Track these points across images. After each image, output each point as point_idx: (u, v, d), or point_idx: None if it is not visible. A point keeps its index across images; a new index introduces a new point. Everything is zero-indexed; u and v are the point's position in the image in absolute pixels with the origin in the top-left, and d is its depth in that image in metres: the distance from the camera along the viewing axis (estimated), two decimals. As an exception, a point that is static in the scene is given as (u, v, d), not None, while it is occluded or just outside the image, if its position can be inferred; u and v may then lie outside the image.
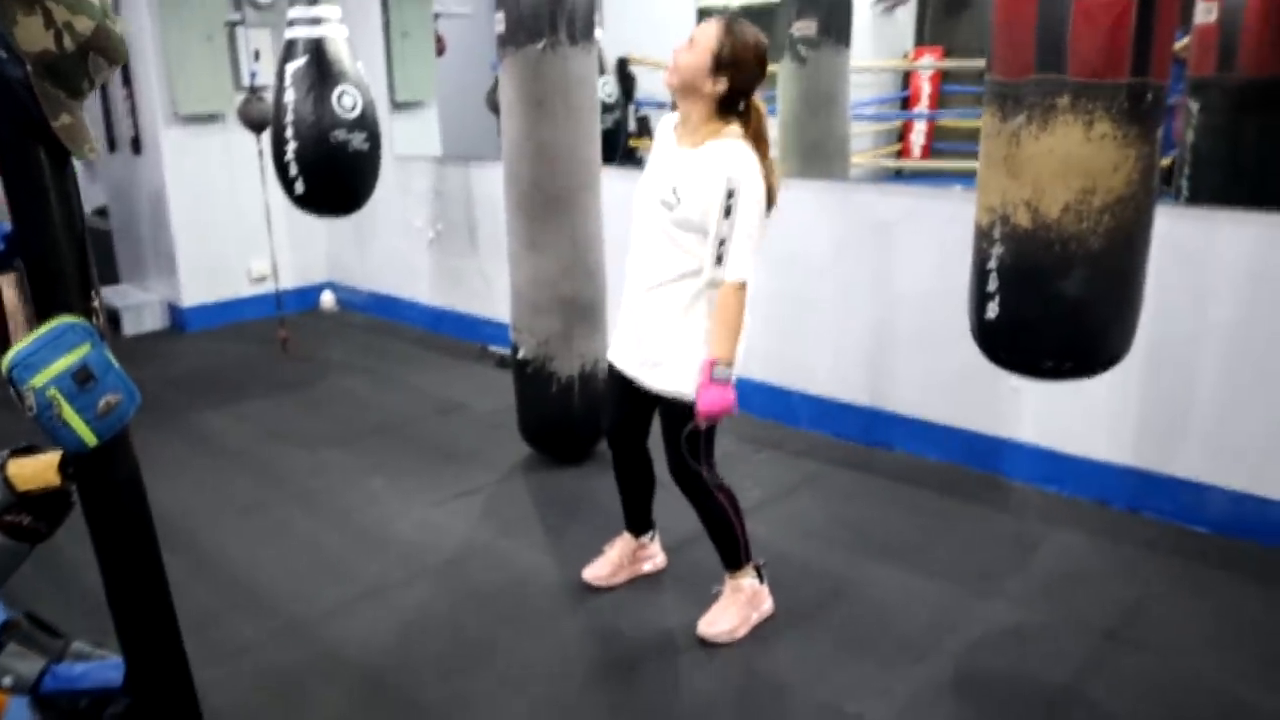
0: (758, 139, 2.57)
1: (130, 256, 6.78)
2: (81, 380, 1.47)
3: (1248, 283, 3.22)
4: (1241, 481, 3.31)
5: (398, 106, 6.20)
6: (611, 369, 2.89)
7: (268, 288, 6.28)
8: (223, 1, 6.00)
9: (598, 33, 3.91)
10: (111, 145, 6.51)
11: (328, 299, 6.86)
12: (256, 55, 6.05)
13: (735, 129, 2.56)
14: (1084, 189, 2.30)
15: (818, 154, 4.82)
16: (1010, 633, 2.87)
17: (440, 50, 6.64)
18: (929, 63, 8.76)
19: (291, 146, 4.54)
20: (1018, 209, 2.37)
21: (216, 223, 6.29)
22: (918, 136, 9.03)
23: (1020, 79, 2.32)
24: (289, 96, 4.53)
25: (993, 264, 2.45)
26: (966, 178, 6.59)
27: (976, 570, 3.19)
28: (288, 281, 6.32)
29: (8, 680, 1.74)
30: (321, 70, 4.53)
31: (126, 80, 6.11)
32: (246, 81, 5.85)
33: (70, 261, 1.54)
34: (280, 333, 5.76)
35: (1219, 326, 3.28)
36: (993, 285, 2.46)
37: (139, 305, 6.39)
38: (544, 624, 2.96)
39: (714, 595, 2.90)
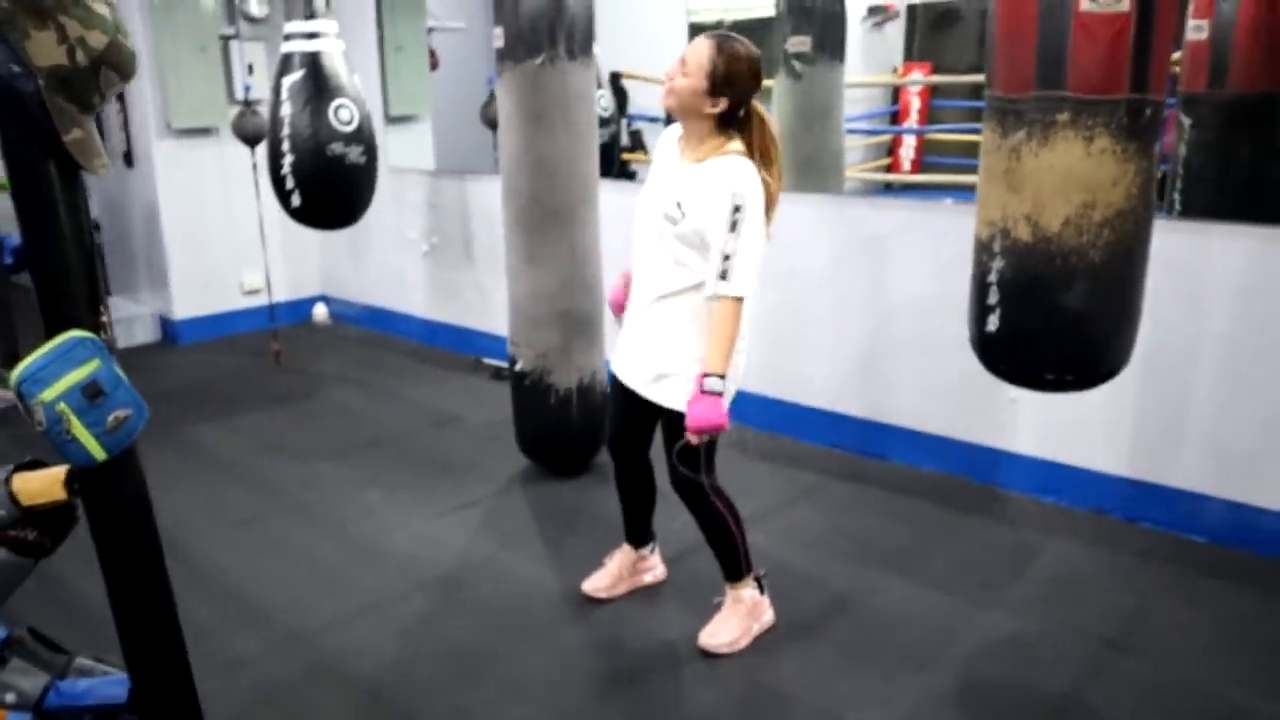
0: (763, 151, 2.58)
1: (122, 269, 6.76)
2: (91, 395, 1.47)
3: (1240, 295, 3.25)
4: (1237, 491, 3.33)
5: (392, 120, 6.20)
6: (615, 381, 2.89)
7: (260, 300, 6.26)
8: (216, 15, 6.00)
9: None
10: (104, 158, 6.48)
11: (321, 312, 6.84)
12: (250, 69, 6.06)
13: (738, 145, 2.56)
14: (1084, 203, 2.31)
15: (813, 168, 4.84)
16: (1009, 642, 2.88)
17: (434, 64, 6.65)
18: (918, 78, 8.81)
19: (288, 160, 4.53)
20: (1018, 223, 2.39)
21: (209, 235, 6.28)
22: (907, 151, 9.08)
23: (1020, 95, 2.34)
24: (286, 110, 4.52)
25: (993, 277, 2.46)
26: (956, 191, 6.67)
27: (975, 580, 3.20)
28: (280, 294, 6.30)
29: (11, 697, 1.74)
30: (318, 84, 4.52)
31: (120, 93, 6.09)
32: (241, 95, 5.86)
33: (79, 276, 1.54)
34: (273, 345, 5.75)
35: (1213, 338, 3.30)
36: (993, 298, 2.48)
37: (130, 318, 6.36)
38: (545, 636, 2.96)
39: (715, 606, 2.91)
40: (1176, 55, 3.71)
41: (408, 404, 5.12)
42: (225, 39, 6.05)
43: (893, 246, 4.01)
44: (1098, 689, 2.65)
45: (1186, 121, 3.75)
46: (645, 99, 6.51)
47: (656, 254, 2.66)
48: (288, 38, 4.60)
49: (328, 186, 4.64)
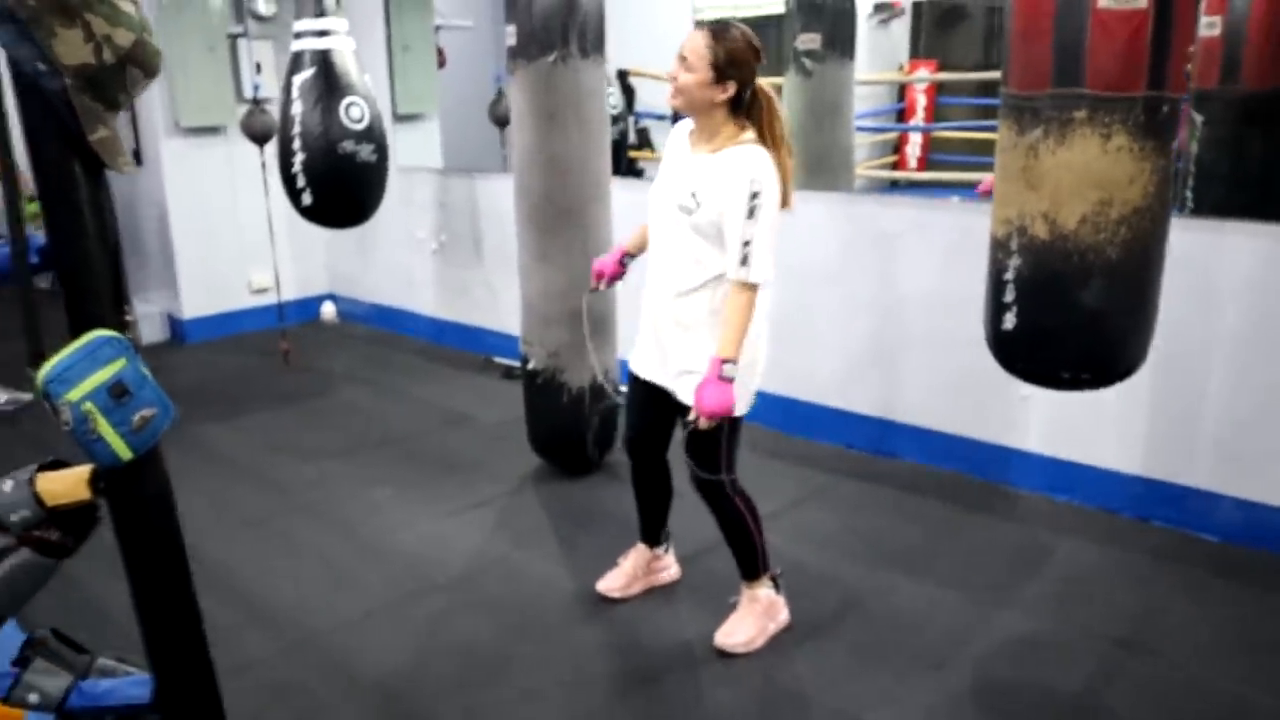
0: (774, 134, 2.59)
1: (130, 268, 6.73)
2: (117, 395, 1.47)
3: (1252, 293, 3.24)
4: (1250, 490, 3.32)
5: (400, 119, 6.19)
6: (634, 379, 2.88)
7: (268, 299, 6.27)
8: (224, 14, 6.00)
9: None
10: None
11: (328, 310, 6.85)
12: (258, 67, 6.05)
13: (751, 135, 2.57)
14: (1101, 201, 2.31)
15: (823, 166, 4.84)
16: (1024, 641, 2.88)
17: (441, 63, 6.65)
18: (925, 75, 8.81)
19: (299, 158, 4.53)
20: (1035, 221, 2.39)
21: (217, 234, 6.28)
22: (913, 148, 9.08)
23: (1037, 92, 2.34)
24: (296, 108, 4.53)
25: (1010, 275, 2.46)
26: (962, 189, 6.66)
27: (988, 579, 3.20)
28: (288, 293, 6.30)
29: (34, 697, 1.73)
30: (329, 82, 4.53)
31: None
32: (249, 94, 5.85)
33: (104, 275, 1.54)
34: (282, 344, 5.75)
35: (1225, 336, 3.30)
36: (1010, 296, 2.47)
37: (138, 317, 6.36)
38: (560, 636, 2.96)
39: (731, 606, 2.90)
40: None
41: (417, 403, 5.12)
42: (233, 37, 6.05)
43: (903, 244, 4.00)
44: (1111, 689, 2.65)
45: (1199, 118, 3.75)
46: (652, 96, 6.51)
47: (673, 250, 2.66)
48: (298, 36, 4.61)
49: (339, 185, 4.64)
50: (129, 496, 1.61)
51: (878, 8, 8.39)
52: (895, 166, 8.98)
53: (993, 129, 6.93)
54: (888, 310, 4.08)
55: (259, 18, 6.12)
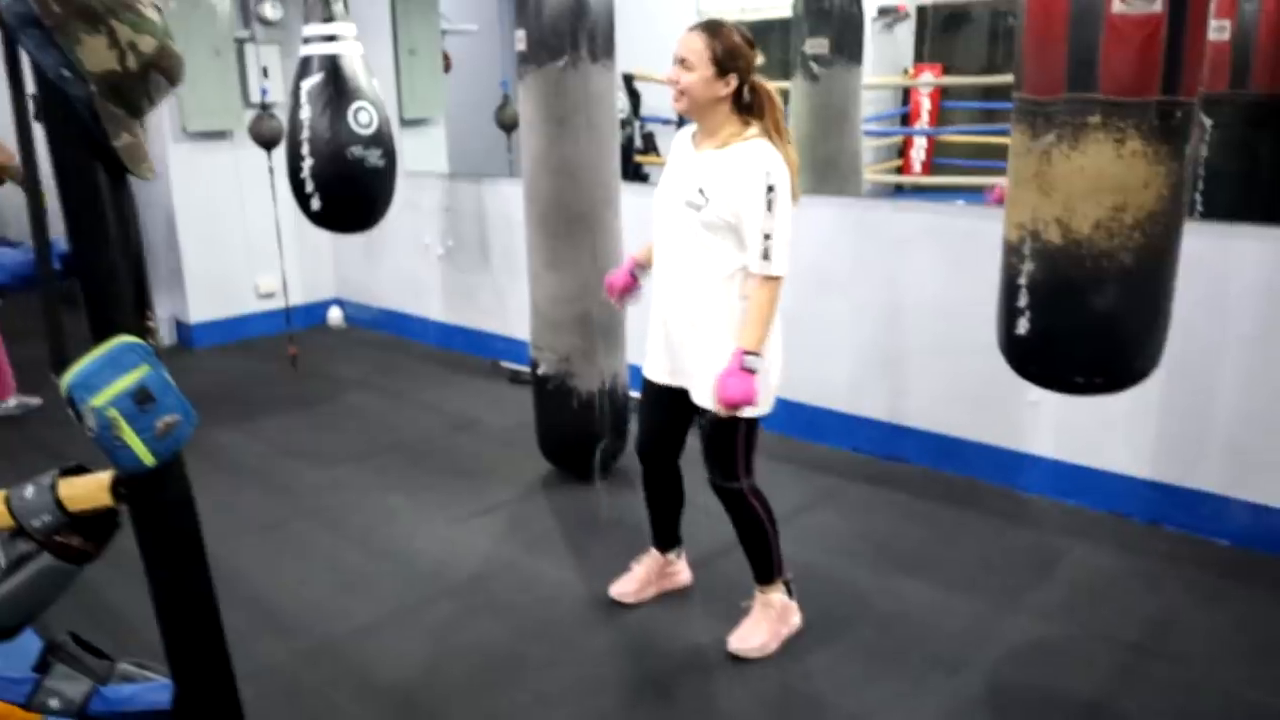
0: (777, 128, 2.61)
1: (137, 273, 6.76)
2: (141, 401, 1.47)
3: (1261, 296, 3.25)
4: (1261, 493, 3.33)
5: (406, 123, 6.20)
6: (648, 384, 2.89)
7: (275, 304, 6.28)
8: (231, 18, 6.01)
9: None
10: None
11: (335, 315, 6.86)
12: (265, 72, 6.07)
13: (756, 129, 2.59)
14: (1115, 206, 2.31)
15: (831, 170, 4.84)
16: (1038, 646, 2.88)
17: (447, 67, 6.67)
18: (929, 79, 8.81)
19: (308, 163, 4.54)
20: (1049, 225, 2.38)
21: (224, 239, 6.30)
22: (918, 153, 9.07)
23: (1051, 97, 2.34)
24: (305, 113, 4.53)
25: (1023, 280, 2.46)
26: (968, 193, 6.66)
27: (1000, 584, 3.20)
28: (295, 298, 6.31)
29: (55, 703, 1.73)
30: (337, 87, 4.53)
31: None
32: (256, 98, 5.87)
33: (127, 281, 1.54)
34: (290, 349, 5.75)
35: (1234, 339, 3.30)
36: (1023, 301, 2.47)
37: (147, 322, 6.36)
38: (573, 640, 2.96)
39: (744, 610, 2.91)
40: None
41: (426, 408, 5.13)
42: (240, 42, 6.06)
43: (913, 248, 4.00)
44: (1127, 693, 2.65)
45: (1208, 122, 3.75)
46: (658, 101, 6.52)
47: (682, 249, 2.66)
48: (306, 40, 4.61)
49: (348, 190, 4.64)
50: (151, 502, 1.61)
51: (882, 11, 8.38)
52: (900, 171, 8.97)
53: (997, 133, 6.96)
54: (897, 314, 4.09)
55: (266, 23, 6.13)
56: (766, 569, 2.87)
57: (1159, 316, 2.46)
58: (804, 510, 3.73)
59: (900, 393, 4.15)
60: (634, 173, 6.34)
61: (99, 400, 1.44)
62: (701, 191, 2.57)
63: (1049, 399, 3.29)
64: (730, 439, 2.68)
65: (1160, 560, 3.32)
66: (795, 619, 2.93)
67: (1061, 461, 3.74)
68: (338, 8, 4.59)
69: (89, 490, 1.60)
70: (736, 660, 2.80)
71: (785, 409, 4.33)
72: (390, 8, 6.05)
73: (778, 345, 2.70)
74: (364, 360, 6.06)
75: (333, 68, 4.55)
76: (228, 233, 6.28)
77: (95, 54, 1.40)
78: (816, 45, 4.80)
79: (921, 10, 8.95)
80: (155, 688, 1.77)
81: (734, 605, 2.94)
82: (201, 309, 6.34)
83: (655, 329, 2.83)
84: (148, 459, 1.48)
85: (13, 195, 5.23)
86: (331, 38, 4.56)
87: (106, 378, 1.45)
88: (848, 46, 4.87)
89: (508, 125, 7.00)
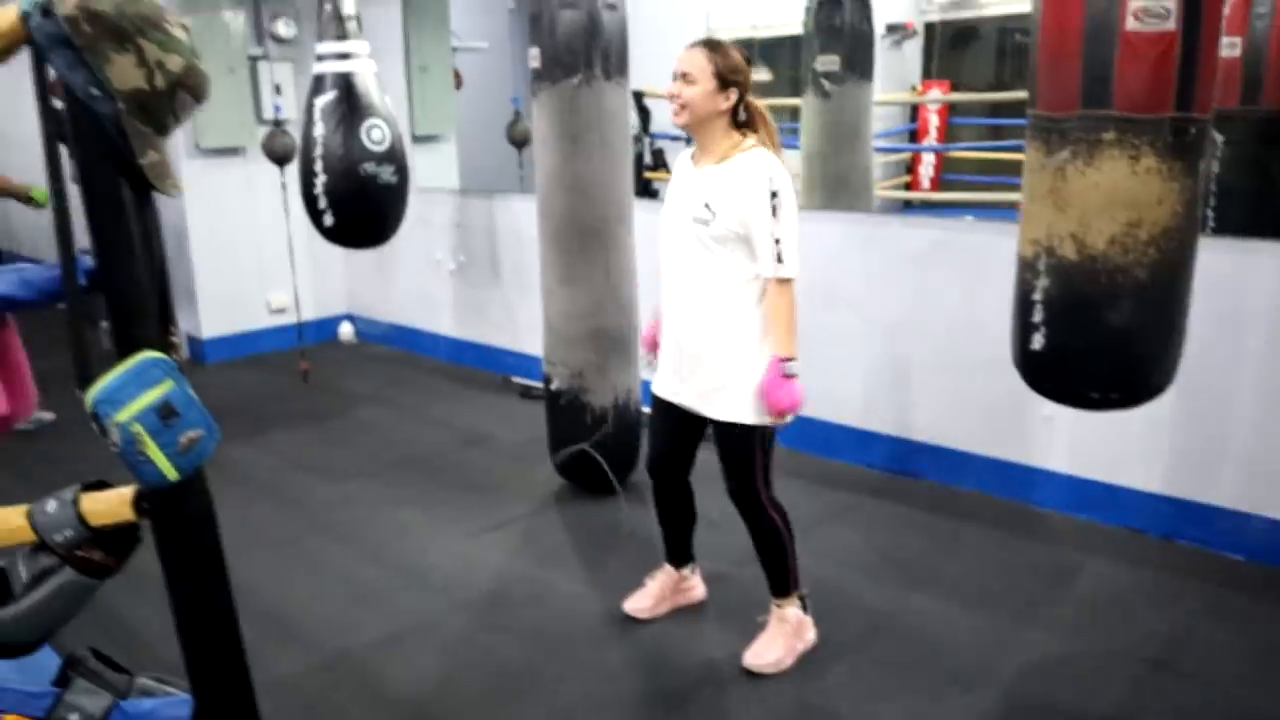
0: (772, 142, 2.67)
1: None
2: (165, 416, 1.48)
3: (1276, 311, 3.25)
4: (1278, 508, 3.31)
5: (417, 140, 6.23)
6: (656, 400, 2.90)
7: (286, 319, 6.30)
8: (245, 36, 6.05)
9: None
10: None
11: (346, 331, 6.88)
12: (278, 89, 6.11)
13: (753, 140, 2.64)
14: (1130, 222, 2.32)
15: (843, 187, 4.85)
16: (1055, 662, 2.86)
17: (458, 84, 6.71)
18: (938, 96, 8.83)
19: (321, 180, 4.57)
20: (1064, 241, 2.39)
21: (236, 255, 6.32)
22: (926, 169, 9.09)
23: (1065, 114, 2.35)
24: (318, 130, 4.56)
25: (1038, 295, 2.46)
26: (976, 209, 6.66)
27: (1015, 599, 3.19)
28: (307, 314, 6.33)
29: (75, 717, 1.74)
30: (350, 104, 4.56)
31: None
32: (269, 115, 5.90)
33: (151, 297, 1.56)
34: (302, 364, 5.77)
35: (1248, 354, 3.30)
36: (1038, 316, 2.48)
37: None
38: (587, 655, 2.95)
39: (759, 625, 2.90)
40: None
41: (438, 423, 5.13)
42: (253, 60, 6.11)
43: (925, 264, 4.01)
44: (1141, 710, 2.64)
45: (1219, 139, 3.75)
46: (668, 117, 6.53)
47: (692, 265, 2.68)
48: (320, 58, 4.64)
49: (360, 206, 4.67)
50: (173, 517, 1.62)
51: (890, 29, 8.41)
52: (908, 187, 8.99)
53: (1006, 149, 6.95)
54: (909, 329, 4.09)
55: (279, 40, 6.17)
56: (783, 582, 2.87)
57: (1174, 332, 2.46)
58: (818, 525, 3.72)
59: (912, 408, 4.15)
60: (644, 189, 6.36)
61: (124, 415, 1.45)
62: (708, 206, 2.60)
63: (1063, 414, 3.30)
64: (748, 449, 2.71)
65: (1175, 575, 3.31)
66: (810, 634, 2.92)
67: (1075, 477, 3.74)
68: (351, 26, 4.63)
69: (111, 505, 1.60)
70: (751, 676, 2.80)
71: (797, 424, 4.33)
72: (402, 25, 6.09)
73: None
74: (375, 375, 6.08)
75: (346, 85, 4.59)
76: (240, 248, 6.31)
77: (124, 73, 1.41)
78: (828, 62, 4.82)
79: (929, 27, 8.98)
80: (175, 702, 1.78)
81: (749, 620, 2.93)
82: (213, 324, 6.36)
83: (666, 346, 2.85)
84: (171, 474, 1.49)
85: (27, 212, 5.27)
86: (345, 56, 4.60)
87: (131, 393, 1.46)
88: (859, 63, 4.89)
89: (519, 141, 7.04)
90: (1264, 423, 3.29)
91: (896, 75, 8.64)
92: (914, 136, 9.14)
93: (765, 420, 2.66)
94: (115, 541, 1.64)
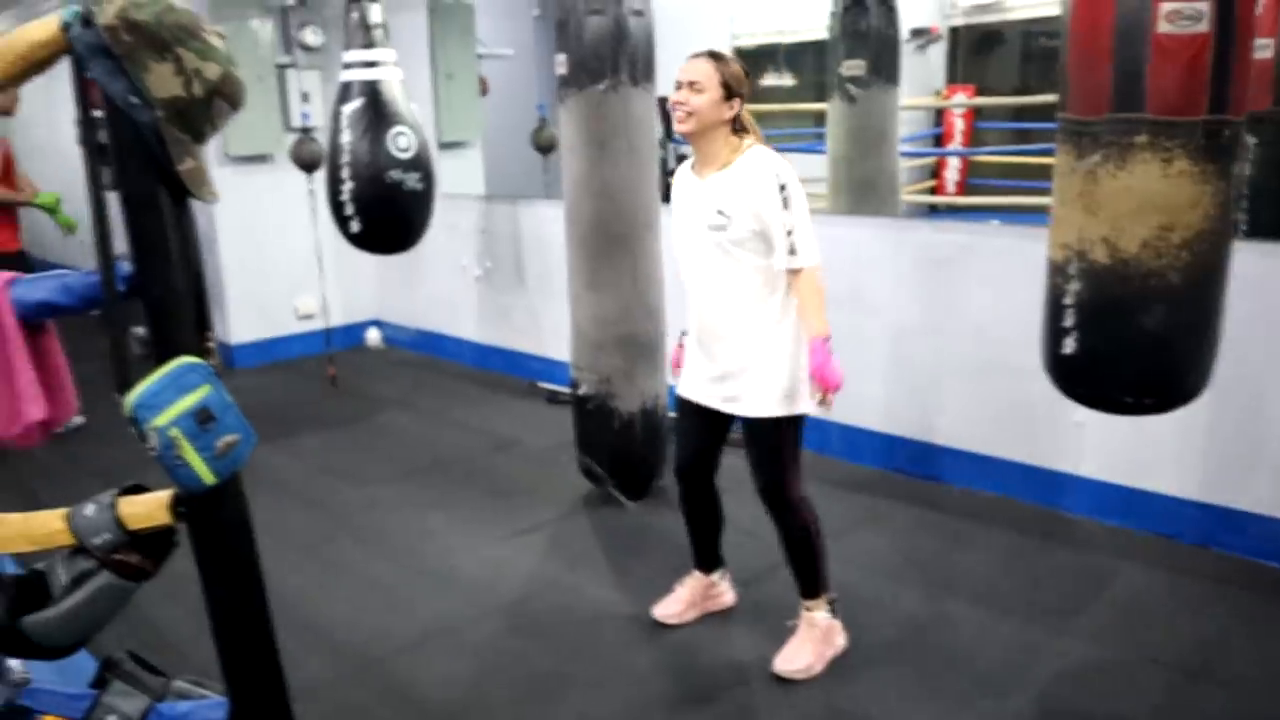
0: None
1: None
2: (202, 420, 1.49)
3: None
4: (1314, 516, 3.28)
5: (444, 146, 6.26)
6: (683, 404, 2.92)
7: (314, 325, 6.35)
8: (273, 44, 6.11)
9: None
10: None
11: (374, 336, 6.92)
12: (305, 97, 6.16)
13: (752, 140, 2.71)
14: (1162, 225, 2.30)
15: (869, 191, 4.85)
16: (1089, 670, 2.84)
17: (484, 91, 6.74)
18: (963, 100, 8.79)
19: (348, 187, 4.60)
20: (1095, 245, 2.37)
21: (265, 261, 6.38)
22: (952, 173, 9.05)
23: (1096, 117, 2.33)
24: (345, 138, 4.60)
25: (1069, 300, 2.45)
26: (1002, 213, 6.63)
27: (1047, 606, 3.16)
28: (335, 319, 6.38)
29: (113, 719, 1.75)
30: (377, 112, 4.60)
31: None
32: (297, 123, 5.95)
33: (188, 302, 1.58)
34: (329, 369, 5.81)
35: (1284, 358, 3.26)
36: (1069, 321, 2.46)
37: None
38: (617, 660, 2.95)
39: (789, 629, 2.90)
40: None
41: (465, 428, 5.16)
42: (281, 68, 6.16)
43: (952, 269, 3.99)
44: (1176, 719, 2.61)
45: (1251, 141, 3.72)
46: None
47: (714, 274, 2.71)
48: (347, 66, 4.68)
49: (387, 213, 4.70)
50: (210, 521, 1.63)
51: (915, 33, 8.39)
52: (934, 191, 8.95)
53: (1031, 153, 6.93)
54: (938, 334, 4.07)
55: (307, 48, 6.22)
56: (813, 582, 2.87)
57: (1209, 335, 2.44)
58: (846, 531, 3.70)
59: (940, 413, 4.13)
60: (666, 194, 6.36)
61: (162, 420, 1.47)
62: (721, 212, 2.65)
63: (1094, 419, 3.25)
64: (778, 444, 2.74)
65: (1209, 582, 3.27)
66: (840, 640, 2.91)
67: (1107, 482, 3.70)
68: (378, 34, 4.66)
69: (149, 509, 1.62)
70: (781, 681, 2.79)
71: (824, 429, 4.34)
72: (429, 33, 6.13)
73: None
74: (403, 380, 6.11)
75: (373, 93, 4.62)
76: (268, 255, 6.37)
77: (162, 81, 1.43)
78: (853, 67, 4.81)
79: (954, 31, 8.95)
80: (210, 705, 1.79)
81: (778, 626, 2.92)
82: (243, 330, 6.42)
83: (691, 350, 2.88)
84: (208, 478, 1.51)
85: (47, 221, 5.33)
86: (372, 64, 4.63)
87: (169, 398, 1.48)
88: (885, 68, 4.88)
89: (544, 148, 7.06)
90: (1299, 428, 3.26)
91: (921, 79, 8.61)
92: (939, 141, 9.11)
93: (808, 407, 2.69)
94: (152, 545, 1.65)
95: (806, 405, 2.71)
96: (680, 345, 3.00)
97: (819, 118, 6.08)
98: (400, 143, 4.64)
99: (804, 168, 3.36)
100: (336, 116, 4.69)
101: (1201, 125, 2.25)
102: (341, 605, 3.34)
